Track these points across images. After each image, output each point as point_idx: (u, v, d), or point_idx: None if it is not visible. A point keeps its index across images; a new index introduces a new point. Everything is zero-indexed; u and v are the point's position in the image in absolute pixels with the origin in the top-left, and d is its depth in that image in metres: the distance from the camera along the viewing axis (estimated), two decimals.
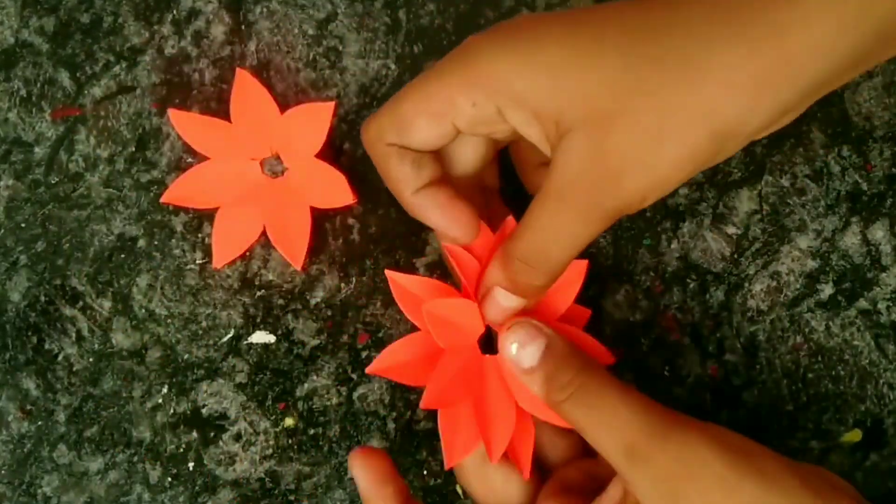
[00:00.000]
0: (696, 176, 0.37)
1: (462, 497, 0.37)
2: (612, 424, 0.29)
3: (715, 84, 0.25)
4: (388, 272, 0.33)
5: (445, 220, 0.31)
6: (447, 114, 0.29)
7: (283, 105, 0.37)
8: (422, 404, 0.31)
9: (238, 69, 0.36)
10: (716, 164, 0.27)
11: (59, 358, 0.38)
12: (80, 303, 0.38)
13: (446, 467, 0.32)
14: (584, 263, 0.33)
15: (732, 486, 0.27)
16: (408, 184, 0.31)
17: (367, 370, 0.32)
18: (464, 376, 0.32)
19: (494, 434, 0.32)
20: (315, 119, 0.36)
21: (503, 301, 0.31)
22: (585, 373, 0.30)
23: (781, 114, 0.26)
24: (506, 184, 0.36)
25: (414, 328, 0.33)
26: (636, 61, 0.26)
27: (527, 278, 0.30)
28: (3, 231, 0.39)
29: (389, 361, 0.32)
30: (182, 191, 0.37)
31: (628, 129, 0.26)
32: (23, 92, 0.39)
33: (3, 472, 0.38)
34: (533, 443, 0.32)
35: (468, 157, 0.32)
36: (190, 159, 0.38)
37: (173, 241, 0.38)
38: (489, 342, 0.34)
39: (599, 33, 0.27)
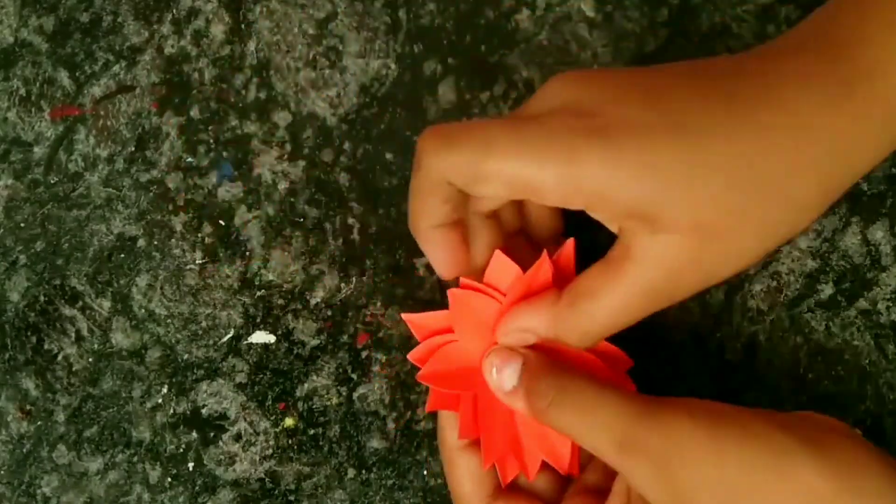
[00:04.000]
0: None
1: None
2: (597, 422, 0.29)
3: (798, 210, 0.29)
4: (404, 316, 0.34)
5: (444, 261, 0.32)
6: (528, 192, 0.29)
7: (284, 104, 0.37)
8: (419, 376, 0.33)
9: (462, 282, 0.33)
10: None
11: (59, 358, 0.38)
12: (80, 303, 0.38)
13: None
14: None
15: (719, 453, 0.27)
16: (433, 220, 0.31)
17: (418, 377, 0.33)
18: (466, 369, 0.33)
19: (488, 439, 0.32)
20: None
21: (530, 340, 0.32)
22: (563, 377, 0.30)
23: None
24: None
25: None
26: (738, 185, 0.28)
27: (574, 342, 0.31)
28: (2, 231, 0.39)
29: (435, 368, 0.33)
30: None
31: (729, 246, 0.29)
32: (22, 91, 0.39)
33: (2, 472, 0.38)
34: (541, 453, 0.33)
35: (499, 201, 0.32)
36: (189, 159, 0.38)
37: (173, 241, 0.38)
38: None
39: (705, 149, 0.28)
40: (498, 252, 0.32)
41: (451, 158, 0.29)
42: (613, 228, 0.30)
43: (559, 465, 0.32)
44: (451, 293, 0.32)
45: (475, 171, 0.29)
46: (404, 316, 0.34)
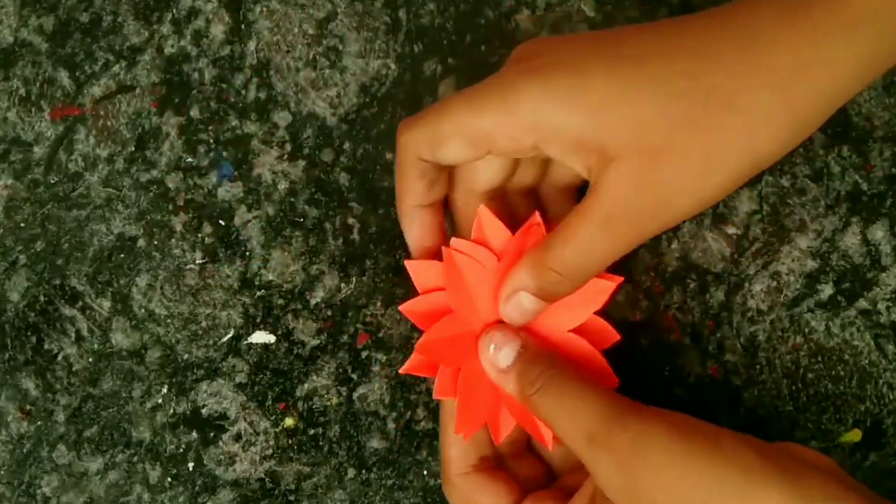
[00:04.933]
0: None
1: None
2: (574, 414, 0.30)
3: (756, 123, 0.28)
4: (407, 263, 0.34)
5: (418, 241, 0.34)
6: (483, 143, 0.31)
7: (284, 104, 0.37)
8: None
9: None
10: None
11: (59, 358, 0.38)
12: (80, 303, 0.38)
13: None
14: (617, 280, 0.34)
15: (686, 459, 0.27)
16: (414, 197, 0.33)
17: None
18: (460, 342, 0.34)
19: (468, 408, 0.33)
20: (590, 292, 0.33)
21: (528, 305, 0.32)
22: (553, 368, 0.31)
23: (806, 138, 0.29)
24: None
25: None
26: (680, 98, 0.28)
27: (559, 288, 0.31)
28: (2, 231, 0.39)
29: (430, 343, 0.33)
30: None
31: (678, 163, 0.28)
32: (22, 91, 0.39)
33: (2, 472, 0.38)
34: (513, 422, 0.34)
35: (492, 174, 0.33)
36: (189, 159, 0.38)
37: (173, 241, 0.38)
38: None
39: (640, 68, 0.28)
40: (482, 208, 0.33)
41: (416, 132, 0.31)
42: (581, 170, 0.30)
43: (542, 439, 0.33)
44: (445, 252, 0.33)
45: (434, 136, 0.31)
46: (407, 263, 0.34)
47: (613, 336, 0.34)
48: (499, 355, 0.32)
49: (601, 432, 0.29)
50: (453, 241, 0.34)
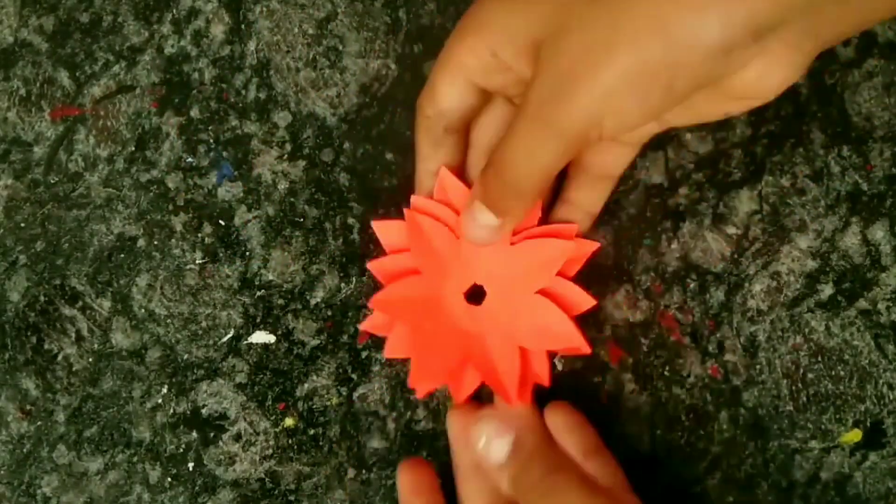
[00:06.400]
0: (697, 176, 0.37)
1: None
2: None
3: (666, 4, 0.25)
4: (374, 223, 0.35)
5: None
6: (459, 71, 0.31)
7: (284, 104, 0.37)
8: (371, 303, 0.34)
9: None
10: (674, 100, 0.27)
11: (59, 358, 0.38)
12: (80, 303, 0.38)
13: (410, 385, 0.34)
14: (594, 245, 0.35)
15: None
16: (425, 159, 0.34)
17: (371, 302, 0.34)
18: (423, 304, 0.34)
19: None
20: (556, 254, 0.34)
21: (479, 217, 0.31)
22: (553, 475, 0.31)
23: (732, 42, 0.25)
24: None
25: None
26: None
27: (497, 193, 0.30)
28: (2, 231, 0.39)
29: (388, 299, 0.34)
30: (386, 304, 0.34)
31: (581, 37, 0.26)
32: (22, 91, 0.39)
33: (2, 472, 0.38)
34: (517, 373, 0.33)
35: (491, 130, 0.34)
36: (189, 159, 0.38)
37: (173, 241, 0.38)
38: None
39: None
40: (444, 170, 0.34)
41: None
42: (529, 72, 0.29)
43: (507, 398, 0.33)
44: (407, 213, 0.34)
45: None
46: (374, 223, 0.35)
47: (588, 301, 0.34)
48: (491, 449, 0.32)
49: None
50: (414, 199, 0.34)
